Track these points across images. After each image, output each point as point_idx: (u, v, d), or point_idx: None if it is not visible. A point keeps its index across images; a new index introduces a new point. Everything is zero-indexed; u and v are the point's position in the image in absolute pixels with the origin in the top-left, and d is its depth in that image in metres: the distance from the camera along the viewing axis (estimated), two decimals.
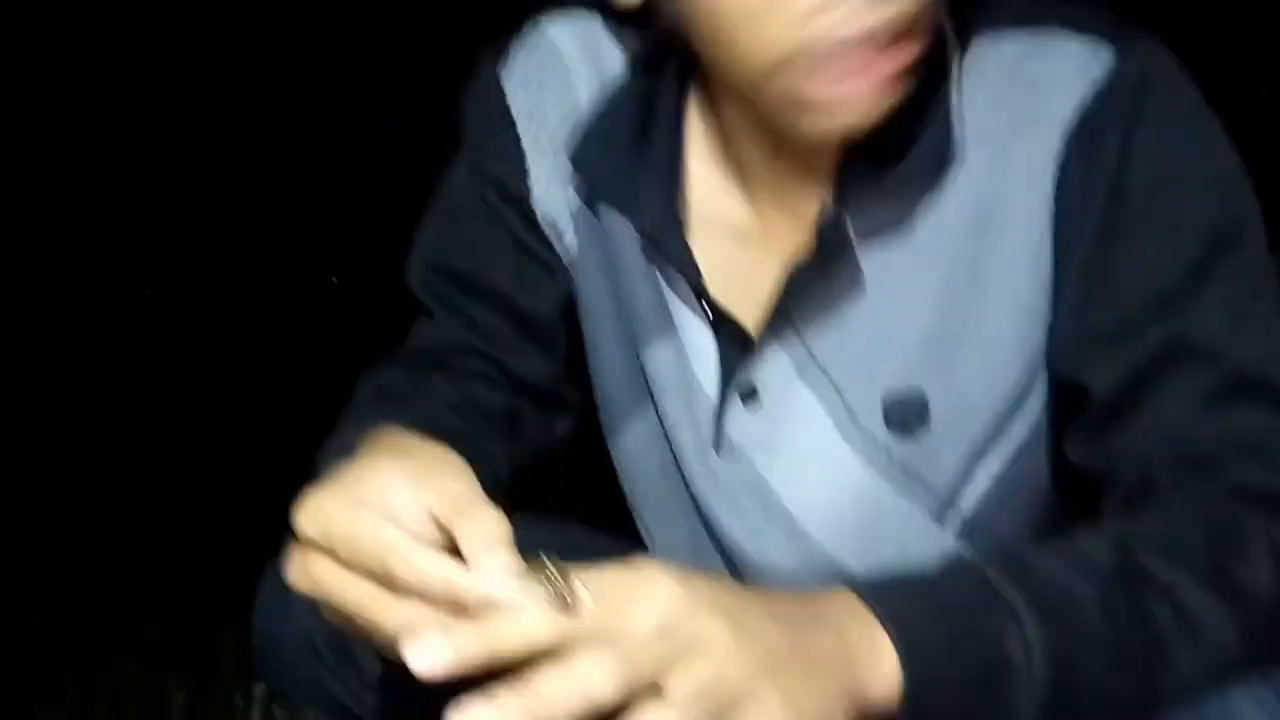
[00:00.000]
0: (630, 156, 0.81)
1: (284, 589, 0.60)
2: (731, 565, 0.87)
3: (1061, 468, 0.80)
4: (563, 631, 0.51)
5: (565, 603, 0.52)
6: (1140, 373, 0.71)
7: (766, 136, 0.77)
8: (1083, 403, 0.74)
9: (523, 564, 0.54)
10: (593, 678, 0.50)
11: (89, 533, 2.31)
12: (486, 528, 0.54)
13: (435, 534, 0.56)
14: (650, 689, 0.51)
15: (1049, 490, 0.82)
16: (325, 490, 0.57)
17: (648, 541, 0.93)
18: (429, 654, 0.51)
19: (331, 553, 0.55)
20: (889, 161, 0.73)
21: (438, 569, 0.53)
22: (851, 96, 0.67)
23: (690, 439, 0.84)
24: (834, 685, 0.54)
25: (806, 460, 0.81)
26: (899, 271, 0.76)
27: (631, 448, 0.90)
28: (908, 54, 0.66)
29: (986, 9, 0.75)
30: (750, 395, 0.81)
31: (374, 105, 3.26)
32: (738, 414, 0.81)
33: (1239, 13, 2.42)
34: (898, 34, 0.65)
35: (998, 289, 0.75)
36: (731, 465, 0.83)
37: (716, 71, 0.73)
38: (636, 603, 0.52)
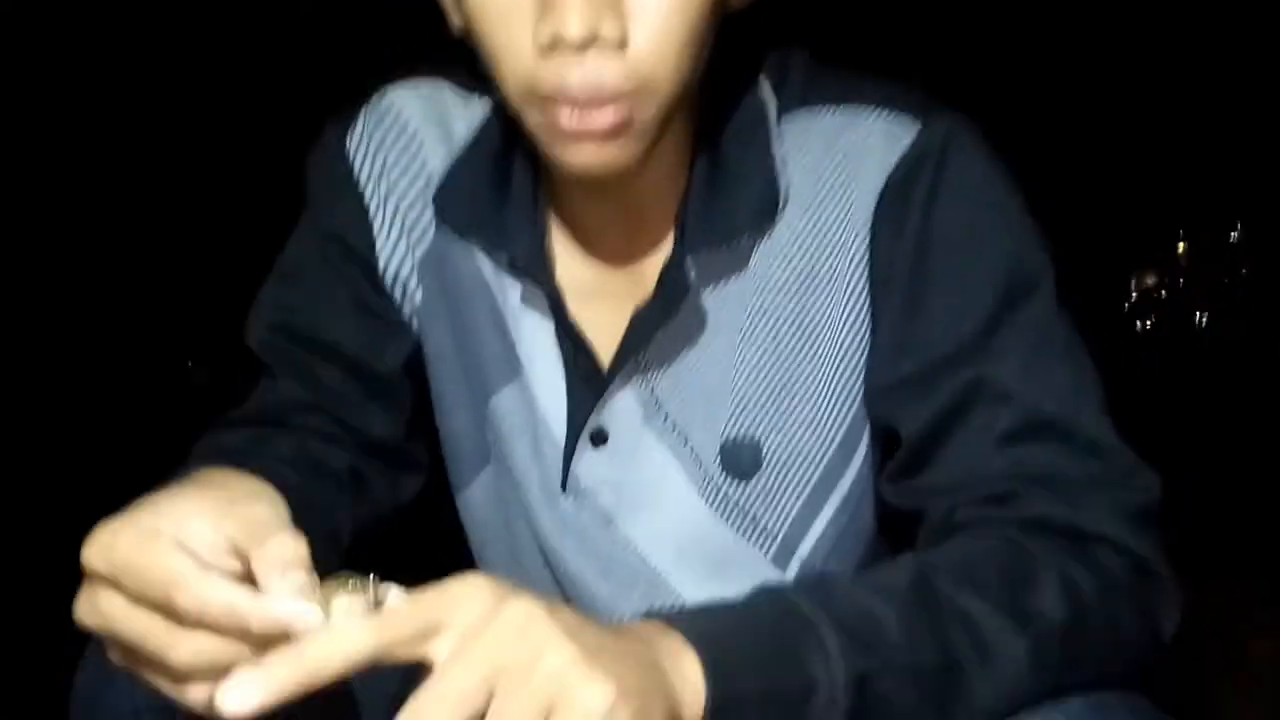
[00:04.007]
0: (493, 202, 0.83)
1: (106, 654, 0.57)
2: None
3: (888, 514, 0.83)
4: (379, 638, 0.50)
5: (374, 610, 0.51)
6: (942, 416, 0.75)
7: (602, 197, 0.80)
8: (895, 447, 0.79)
9: (317, 584, 0.53)
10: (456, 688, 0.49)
11: None
12: (281, 550, 0.54)
13: (235, 565, 0.55)
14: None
15: (877, 536, 0.86)
16: (117, 522, 0.56)
17: None
18: (241, 693, 0.48)
19: (119, 585, 0.54)
20: (723, 217, 0.78)
21: (219, 595, 0.52)
22: (578, 137, 0.70)
23: (538, 482, 0.86)
24: (651, 686, 0.54)
25: (653, 501, 0.84)
26: (733, 323, 0.81)
27: (479, 499, 0.91)
28: (611, 117, 0.69)
29: (811, 84, 0.81)
30: (599, 437, 0.83)
31: None
32: (586, 455, 0.84)
33: None
34: (597, 98, 0.69)
35: (823, 343, 0.80)
36: (580, 506, 0.85)
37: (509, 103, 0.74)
38: (451, 601, 0.52)
